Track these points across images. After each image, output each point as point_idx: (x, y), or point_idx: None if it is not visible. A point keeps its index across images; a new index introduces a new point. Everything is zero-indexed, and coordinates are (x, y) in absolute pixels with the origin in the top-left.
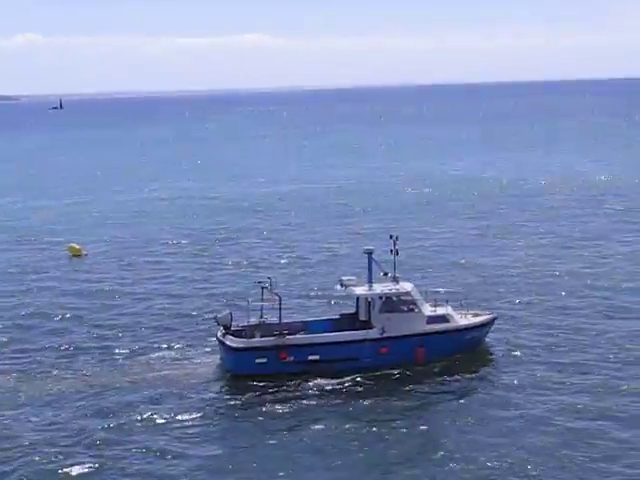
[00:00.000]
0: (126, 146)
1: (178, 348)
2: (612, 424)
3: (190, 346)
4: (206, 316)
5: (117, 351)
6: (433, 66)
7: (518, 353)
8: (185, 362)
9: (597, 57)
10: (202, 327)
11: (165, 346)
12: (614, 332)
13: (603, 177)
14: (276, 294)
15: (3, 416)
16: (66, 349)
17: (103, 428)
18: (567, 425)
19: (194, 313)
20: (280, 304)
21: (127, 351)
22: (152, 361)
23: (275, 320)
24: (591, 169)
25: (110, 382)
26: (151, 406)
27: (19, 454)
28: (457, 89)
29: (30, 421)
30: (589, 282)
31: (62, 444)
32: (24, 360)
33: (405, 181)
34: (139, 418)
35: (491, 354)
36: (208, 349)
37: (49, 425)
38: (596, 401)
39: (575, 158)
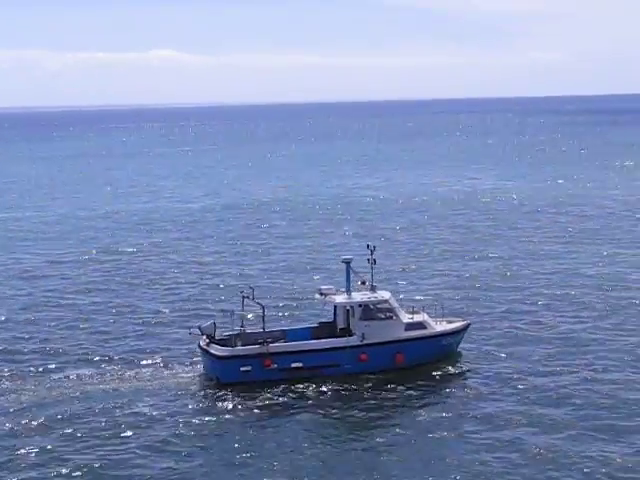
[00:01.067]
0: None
1: (160, 357)
2: (578, 432)
3: (172, 355)
4: (184, 325)
5: (98, 359)
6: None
7: (489, 358)
8: (168, 371)
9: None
10: (181, 337)
11: (147, 355)
12: (579, 335)
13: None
14: (259, 303)
15: None
16: (48, 358)
17: (88, 435)
18: (534, 432)
19: (172, 323)
20: (263, 313)
21: (108, 359)
22: (134, 370)
23: (254, 329)
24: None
25: (93, 390)
26: (132, 413)
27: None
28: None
29: (19, 428)
30: (558, 290)
31: (57, 449)
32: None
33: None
34: (122, 426)
35: (465, 359)
36: (189, 358)
37: (33, 432)
38: (562, 407)
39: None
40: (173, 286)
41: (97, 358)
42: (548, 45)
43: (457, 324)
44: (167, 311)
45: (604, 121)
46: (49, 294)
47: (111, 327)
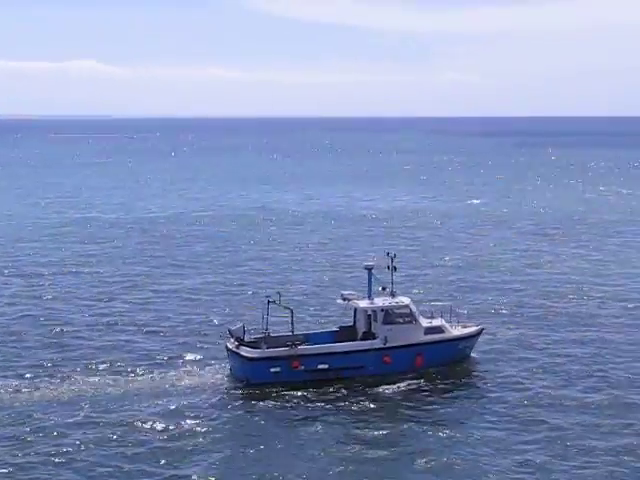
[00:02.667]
0: None
1: (187, 359)
2: (596, 432)
3: (198, 357)
4: (209, 329)
5: (124, 363)
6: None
7: (501, 361)
8: (195, 371)
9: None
10: (206, 339)
11: (174, 356)
12: (593, 343)
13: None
14: (287, 307)
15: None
16: (75, 358)
17: (118, 436)
18: (550, 434)
19: (197, 326)
20: (292, 317)
21: (136, 361)
22: (162, 371)
23: (280, 333)
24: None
25: (122, 392)
26: (163, 413)
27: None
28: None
29: (41, 425)
30: (564, 294)
31: (81, 452)
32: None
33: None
34: (153, 425)
35: (478, 362)
36: (215, 359)
37: (60, 430)
38: (571, 410)
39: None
40: (194, 293)
41: (121, 361)
42: (466, 66)
43: (472, 329)
44: (191, 315)
45: (540, 142)
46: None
47: (132, 332)
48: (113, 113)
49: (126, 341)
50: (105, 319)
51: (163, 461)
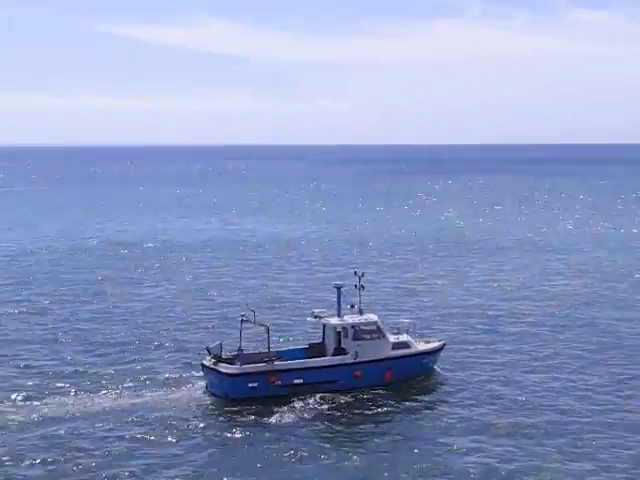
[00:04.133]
0: None
1: (162, 377)
2: (554, 442)
3: (173, 375)
4: (182, 346)
5: (98, 380)
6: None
7: (464, 374)
8: (170, 389)
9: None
10: (180, 356)
11: (149, 375)
12: (548, 352)
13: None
14: (263, 324)
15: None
16: (47, 373)
17: (93, 451)
18: (505, 444)
19: (170, 344)
20: (268, 333)
21: (110, 378)
22: (138, 388)
23: (252, 351)
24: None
25: (95, 409)
26: (138, 431)
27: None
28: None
29: (27, 443)
30: (519, 306)
31: (50, 467)
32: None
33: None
34: (129, 443)
35: (441, 376)
36: (191, 376)
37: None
38: (531, 417)
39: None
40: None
41: (97, 377)
42: (338, 94)
43: (435, 344)
44: (165, 333)
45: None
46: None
47: (110, 348)
48: None
49: (99, 357)
50: (76, 337)
51: (140, 476)
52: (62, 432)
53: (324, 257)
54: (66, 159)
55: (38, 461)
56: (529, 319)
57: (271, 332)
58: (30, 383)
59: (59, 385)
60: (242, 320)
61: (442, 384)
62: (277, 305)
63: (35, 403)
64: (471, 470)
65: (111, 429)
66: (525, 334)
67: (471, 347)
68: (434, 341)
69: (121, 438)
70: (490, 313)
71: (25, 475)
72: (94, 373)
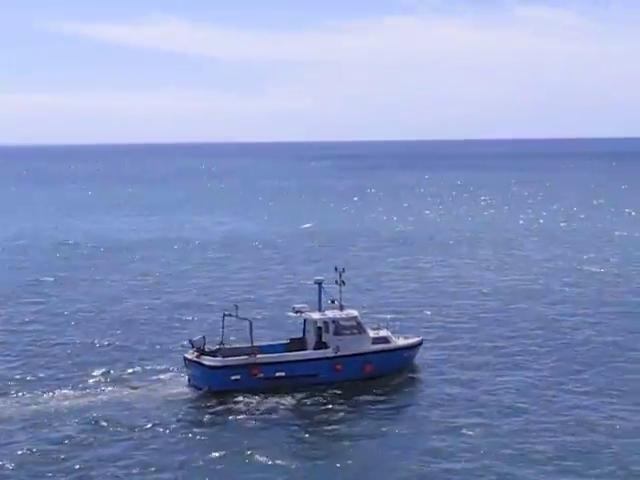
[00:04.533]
0: None
1: (145, 369)
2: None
3: (156, 367)
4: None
5: (87, 373)
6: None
7: (441, 369)
8: (153, 382)
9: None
10: (161, 350)
11: (132, 369)
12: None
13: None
14: (246, 319)
15: None
16: (32, 371)
17: (76, 449)
18: (482, 440)
19: (151, 337)
20: (251, 328)
21: (96, 373)
22: (121, 380)
23: (233, 345)
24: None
25: (77, 406)
26: (123, 424)
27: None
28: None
29: (11, 442)
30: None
31: (39, 465)
32: None
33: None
34: (116, 435)
35: (419, 370)
36: (173, 369)
37: (24, 445)
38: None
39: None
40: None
41: (80, 373)
42: (298, 92)
43: (414, 339)
44: (146, 328)
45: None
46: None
47: (93, 345)
48: None
49: (79, 354)
50: (60, 335)
51: (125, 471)
52: (36, 432)
53: (292, 255)
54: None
55: (18, 463)
56: (494, 314)
57: (254, 327)
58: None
59: (29, 380)
60: (225, 315)
61: (418, 379)
62: (259, 301)
63: (23, 399)
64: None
65: (91, 424)
66: (502, 332)
67: (452, 344)
68: (412, 337)
69: (102, 431)
70: (476, 311)
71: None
72: (73, 369)
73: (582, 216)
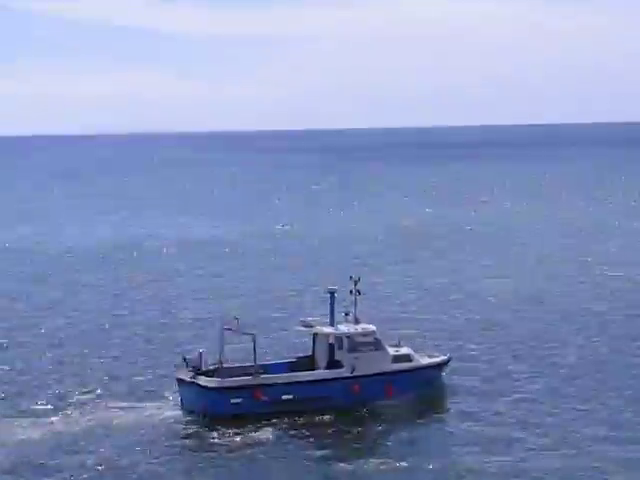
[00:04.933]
0: None
1: (133, 389)
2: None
3: (145, 388)
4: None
5: (74, 398)
6: None
7: (471, 391)
8: (142, 405)
9: None
10: (151, 367)
11: (119, 389)
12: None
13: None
14: (249, 333)
15: None
16: (21, 395)
17: (61, 470)
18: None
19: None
20: (254, 344)
21: (83, 397)
22: (109, 405)
23: (234, 364)
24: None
25: (75, 429)
26: (116, 450)
27: None
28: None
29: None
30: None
31: None
32: None
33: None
34: (105, 464)
35: (448, 392)
36: (165, 390)
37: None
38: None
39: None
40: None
41: (73, 397)
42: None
43: (440, 358)
44: (137, 342)
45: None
46: None
47: (85, 366)
48: None
49: (73, 374)
50: (50, 354)
51: None
52: (26, 454)
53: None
54: None
55: None
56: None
57: (257, 343)
58: None
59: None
60: (224, 329)
61: (446, 401)
62: (263, 314)
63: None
64: None
65: (75, 451)
66: (541, 352)
67: (481, 363)
68: (437, 355)
69: (85, 461)
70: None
71: None
72: (58, 389)
73: None
